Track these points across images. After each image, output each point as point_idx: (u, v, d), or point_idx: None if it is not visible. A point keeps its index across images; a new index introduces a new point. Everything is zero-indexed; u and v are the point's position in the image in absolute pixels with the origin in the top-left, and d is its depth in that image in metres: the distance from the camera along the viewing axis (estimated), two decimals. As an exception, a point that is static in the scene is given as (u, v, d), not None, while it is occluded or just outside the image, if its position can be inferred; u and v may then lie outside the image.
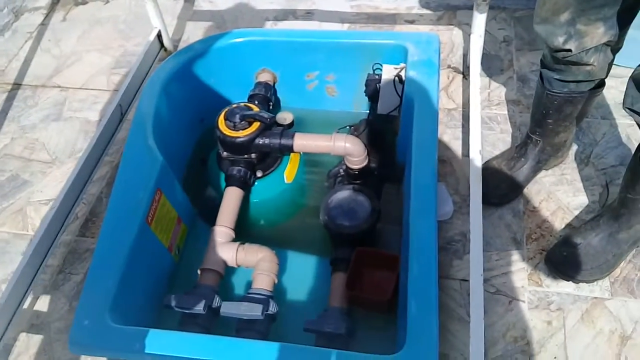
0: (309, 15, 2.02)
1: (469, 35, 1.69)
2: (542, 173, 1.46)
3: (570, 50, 1.11)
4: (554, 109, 1.28)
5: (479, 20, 1.63)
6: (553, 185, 1.45)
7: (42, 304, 1.37)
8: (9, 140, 1.77)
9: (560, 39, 1.11)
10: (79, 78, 1.93)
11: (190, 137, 1.58)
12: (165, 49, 1.91)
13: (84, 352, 1.10)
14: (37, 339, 1.31)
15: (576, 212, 1.39)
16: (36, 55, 2.05)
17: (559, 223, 1.38)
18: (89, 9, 2.20)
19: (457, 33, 1.88)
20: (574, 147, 1.51)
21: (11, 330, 1.28)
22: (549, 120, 1.32)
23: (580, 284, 1.27)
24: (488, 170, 1.43)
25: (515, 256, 1.33)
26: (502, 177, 1.41)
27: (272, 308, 1.17)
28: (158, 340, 1.01)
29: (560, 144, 1.40)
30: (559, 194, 1.43)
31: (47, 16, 2.19)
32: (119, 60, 1.97)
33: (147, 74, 1.79)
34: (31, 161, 1.69)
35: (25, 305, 1.33)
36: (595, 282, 1.27)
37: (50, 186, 1.62)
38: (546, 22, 1.12)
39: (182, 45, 1.97)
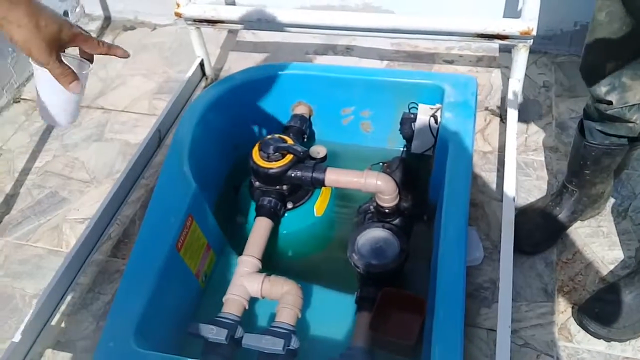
0: (348, 51, 2.04)
1: (508, 78, 1.68)
2: (578, 224, 1.43)
3: (611, 103, 1.10)
4: (592, 160, 1.26)
5: (519, 64, 1.62)
6: (588, 237, 1.41)
7: (70, 321, 1.39)
8: (51, 157, 1.82)
9: (603, 89, 1.10)
10: (122, 101, 1.98)
11: (224, 165, 1.61)
12: (207, 77, 1.96)
13: (107, 374, 1.11)
14: (62, 356, 1.33)
15: (611, 267, 1.35)
16: (83, 76, 2.12)
17: (592, 277, 1.34)
18: (137, 34, 2.28)
19: (496, 75, 1.87)
20: (612, 200, 1.48)
21: (38, 345, 1.30)
22: (587, 171, 1.29)
23: (612, 342, 1.22)
24: (522, 217, 1.40)
25: (546, 308, 1.29)
26: (536, 225, 1.38)
27: (294, 343, 1.16)
28: (179, 368, 1.02)
29: (597, 196, 1.37)
30: (594, 246, 1.39)
31: (99, 37, 2.26)
32: (162, 85, 2.02)
33: (187, 100, 1.83)
34: (70, 179, 1.74)
35: (54, 321, 1.36)
36: (628, 342, 1.22)
37: (86, 205, 1.66)
38: (591, 68, 1.10)
39: (223, 75, 2.02)
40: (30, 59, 0.79)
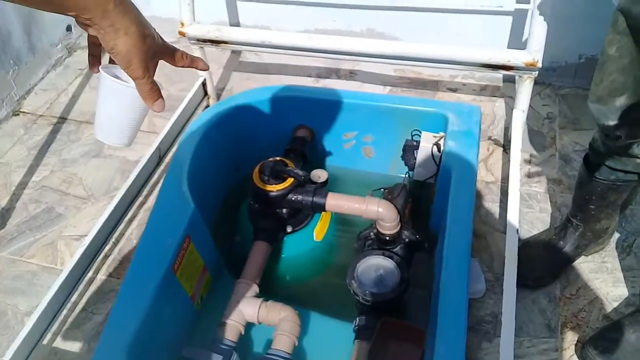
0: (351, 75, 2.04)
1: (512, 108, 1.68)
2: (582, 259, 1.42)
3: (620, 137, 1.09)
4: (597, 195, 1.25)
5: (523, 95, 1.62)
6: (592, 273, 1.39)
7: (61, 341, 1.36)
8: (49, 172, 1.80)
9: (612, 123, 1.09)
10: (123, 117, 1.97)
11: (223, 186, 1.59)
12: (209, 97, 1.95)
13: (97, 396, 1.08)
14: (51, 376, 1.30)
15: (615, 304, 1.33)
16: (84, 91, 2.12)
17: (596, 314, 1.32)
18: (140, 51, 2.27)
19: (499, 105, 1.87)
20: (616, 235, 1.46)
21: (28, 365, 1.27)
22: (592, 206, 1.28)
23: (615, 381, 1.20)
24: (525, 251, 1.38)
25: (548, 345, 1.27)
26: (539, 259, 1.37)
27: (290, 372, 1.14)
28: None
29: (601, 231, 1.36)
30: (598, 282, 1.38)
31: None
32: (163, 103, 2.01)
33: (188, 119, 1.82)
34: (67, 195, 1.72)
35: (45, 340, 1.33)
36: (630, 381, 1.20)
37: (83, 222, 1.63)
38: (600, 101, 1.09)
39: (225, 95, 2.01)
40: (102, 70, 0.75)
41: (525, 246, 1.41)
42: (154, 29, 0.72)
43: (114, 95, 0.77)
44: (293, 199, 1.32)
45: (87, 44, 0.78)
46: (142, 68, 0.71)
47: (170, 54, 0.77)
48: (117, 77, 0.77)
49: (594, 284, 1.37)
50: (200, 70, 0.83)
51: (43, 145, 1.90)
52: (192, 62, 0.81)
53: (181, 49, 0.78)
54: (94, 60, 0.80)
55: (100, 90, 0.78)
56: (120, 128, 0.81)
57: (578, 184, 1.30)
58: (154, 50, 0.72)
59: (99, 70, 0.77)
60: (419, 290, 1.32)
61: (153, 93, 0.75)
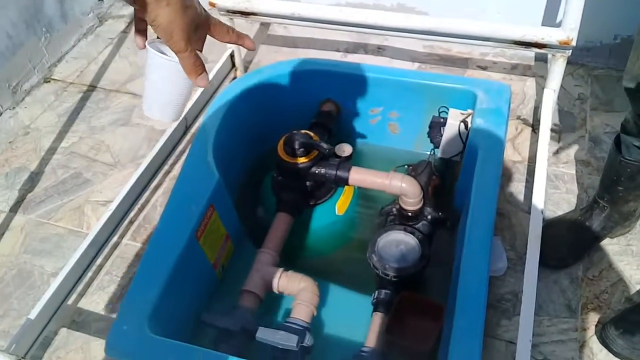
0: (380, 50, 2.02)
1: (543, 88, 1.65)
2: (606, 241, 1.39)
3: None
4: (626, 176, 1.22)
5: (555, 74, 1.59)
6: (616, 255, 1.37)
7: (86, 302, 1.40)
8: (77, 139, 1.83)
9: None
10: (151, 87, 1.99)
11: (248, 157, 1.60)
12: (236, 69, 1.95)
13: (120, 356, 1.10)
14: (76, 335, 1.34)
15: (638, 287, 1.31)
16: (114, 61, 2.14)
17: (618, 296, 1.30)
18: (170, 22, 2.28)
19: (530, 84, 1.84)
20: (643, 218, 1.44)
21: (53, 324, 1.30)
22: (620, 188, 1.26)
23: (635, 364, 1.19)
24: (549, 231, 1.37)
25: (568, 325, 1.26)
26: (563, 239, 1.35)
27: (308, 341, 1.15)
28: (192, 356, 1.01)
29: (628, 213, 1.33)
30: (622, 265, 1.35)
31: (129, 25, 2.28)
32: (191, 74, 2.02)
33: (215, 91, 1.83)
34: (95, 161, 1.75)
35: (70, 301, 1.36)
36: (651, 365, 1.19)
37: (109, 188, 1.66)
38: (637, 80, 1.07)
39: (252, 67, 2.01)
40: (148, 45, 0.73)
41: (549, 226, 1.39)
42: (198, 2, 0.71)
43: (158, 70, 0.77)
44: (317, 172, 1.32)
45: (121, 15, 0.77)
46: (184, 41, 0.69)
47: (215, 27, 0.75)
48: (163, 52, 0.76)
49: (617, 266, 1.35)
50: (247, 48, 0.80)
51: (72, 112, 1.93)
52: (239, 39, 0.78)
53: (228, 24, 0.76)
54: (141, 35, 0.79)
55: (147, 66, 0.77)
56: (166, 103, 0.81)
57: (607, 165, 1.28)
58: (196, 23, 0.70)
59: (145, 46, 0.77)
60: (439, 267, 1.32)
61: (196, 67, 0.73)
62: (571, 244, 1.35)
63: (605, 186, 1.30)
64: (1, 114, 1.95)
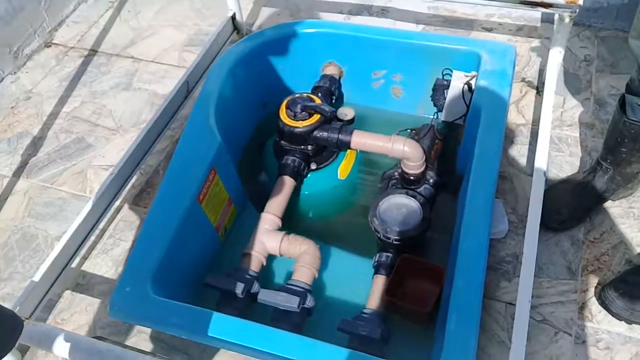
0: (383, 12, 1.99)
1: (548, 50, 1.62)
2: (608, 203, 1.39)
3: None
4: (630, 137, 1.21)
5: (561, 35, 1.55)
6: (618, 218, 1.37)
7: (90, 265, 1.41)
8: (79, 103, 1.83)
9: None
10: (152, 51, 1.97)
11: (250, 121, 1.59)
12: (238, 32, 1.93)
13: (122, 318, 1.13)
14: (80, 298, 1.36)
15: (639, 249, 1.31)
16: (115, 25, 2.11)
17: (619, 258, 1.30)
18: (170, -16, 2.25)
19: (536, 46, 1.80)
20: (647, 181, 1.43)
21: (57, 286, 1.32)
22: (623, 149, 1.25)
23: (634, 325, 1.20)
24: (551, 193, 1.36)
25: (568, 286, 1.27)
26: (565, 202, 1.35)
27: (309, 302, 1.16)
28: (194, 317, 1.03)
29: (631, 175, 1.32)
30: (624, 227, 1.35)
31: (130, -12, 2.25)
32: (192, 38, 2.00)
33: (217, 54, 1.81)
34: (97, 126, 1.75)
35: (74, 264, 1.38)
36: (650, 325, 1.19)
37: (112, 152, 1.66)
38: None
39: (254, 30, 1.98)
40: None
41: (551, 189, 1.39)
42: None
43: None
44: (318, 135, 1.31)
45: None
46: None
47: None
48: None
49: (619, 229, 1.35)
50: None
51: (74, 76, 1.92)
52: None
53: None
54: None
55: None
56: None
57: (611, 125, 1.27)
58: None
59: None
60: (441, 233, 1.32)
61: None
62: (573, 206, 1.34)
63: (609, 147, 1.29)
64: (3, 79, 1.94)
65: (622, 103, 1.21)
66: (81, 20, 2.15)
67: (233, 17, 1.88)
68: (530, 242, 1.21)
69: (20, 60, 1.99)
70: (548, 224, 1.33)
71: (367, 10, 2.00)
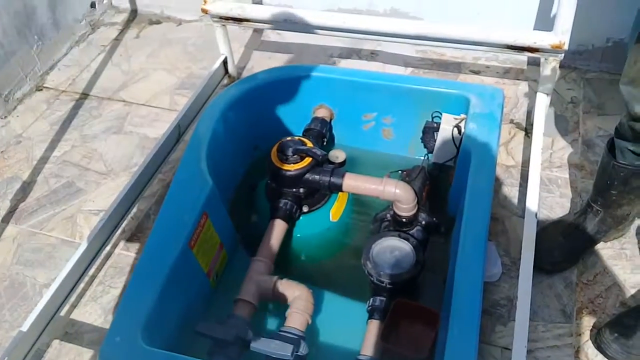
0: (373, 56, 2.02)
1: (535, 92, 1.65)
2: (600, 245, 1.39)
3: None
4: (620, 180, 1.22)
5: (548, 78, 1.59)
6: (611, 259, 1.37)
7: (79, 313, 1.39)
8: (70, 147, 1.82)
9: None
10: (144, 95, 1.98)
11: (242, 164, 1.60)
12: (229, 75, 1.95)
13: (112, 368, 1.10)
14: (69, 347, 1.33)
15: (632, 291, 1.31)
16: (106, 68, 2.13)
17: (613, 300, 1.30)
18: (162, 28, 2.28)
19: (523, 88, 1.84)
20: (637, 221, 1.43)
21: (46, 335, 1.29)
22: (613, 192, 1.26)
23: (630, 368, 1.19)
24: (543, 235, 1.37)
25: (563, 330, 1.26)
26: (557, 244, 1.35)
27: (303, 349, 1.14)
28: (185, 368, 1.00)
29: (622, 217, 1.33)
30: (616, 269, 1.35)
31: (122, 32, 2.27)
32: (184, 81, 2.02)
33: (208, 98, 1.82)
34: (87, 170, 1.74)
35: (63, 312, 1.35)
36: (647, 368, 1.18)
37: (102, 197, 1.65)
38: (633, 83, 1.07)
39: (246, 73, 2.01)
40: None
41: (543, 231, 1.39)
42: None
43: None
44: (310, 178, 1.32)
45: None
46: None
47: None
48: None
49: (612, 270, 1.35)
50: None
51: (65, 120, 1.92)
52: None
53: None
54: None
55: None
56: None
57: (600, 169, 1.28)
58: None
59: None
60: (434, 274, 1.31)
61: None
62: (565, 248, 1.35)
63: (599, 190, 1.30)
64: (-7, 122, 1.94)
65: (611, 146, 1.22)
66: (73, 64, 2.16)
67: (224, 61, 1.91)
68: (525, 285, 1.21)
69: (11, 104, 1.99)
70: (541, 266, 1.33)
71: (357, 53, 2.04)
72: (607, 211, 1.32)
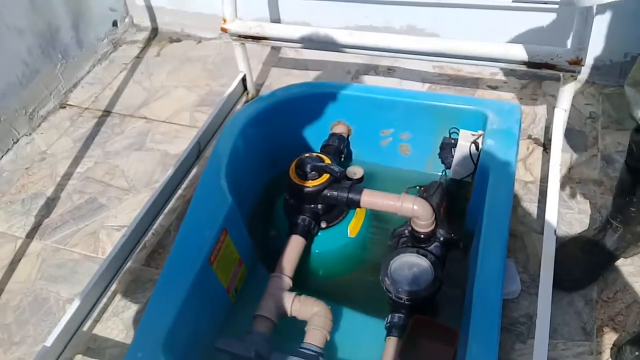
0: (390, 72, 2.04)
1: (554, 107, 1.65)
2: (620, 261, 1.38)
3: None
4: (638, 197, 1.21)
5: (566, 94, 1.59)
6: (631, 276, 1.36)
7: (101, 328, 1.41)
8: (93, 164, 1.86)
9: None
10: (165, 112, 2.02)
11: (261, 180, 1.61)
12: (248, 92, 1.98)
13: (134, 384, 1.11)
14: (91, 362, 1.35)
15: (654, 308, 1.30)
16: (128, 86, 2.17)
17: (633, 318, 1.29)
18: (182, 47, 2.32)
19: (541, 104, 1.84)
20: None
21: (68, 351, 1.32)
22: (632, 208, 1.25)
23: (652, 388, 1.17)
24: (562, 251, 1.36)
25: (584, 348, 1.25)
26: (577, 260, 1.34)
27: (321, 366, 1.15)
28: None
29: None
30: (637, 286, 1.34)
31: (143, 50, 2.32)
32: (204, 98, 2.05)
33: (228, 114, 1.85)
34: (110, 186, 1.77)
35: (85, 327, 1.38)
36: (668, 388, 1.17)
37: (124, 213, 1.68)
38: (637, 87, 1.07)
39: (264, 90, 2.03)
40: None
41: (562, 247, 1.38)
42: None
43: None
44: (328, 194, 1.33)
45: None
46: None
47: None
48: None
49: (632, 287, 1.34)
50: None
51: (88, 137, 1.96)
52: None
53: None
54: None
55: None
56: None
57: (619, 184, 1.27)
58: None
59: None
60: (452, 289, 1.31)
61: None
62: (585, 265, 1.34)
63: (618, 207, 1.30)
64: (18, 140, 1.98)
65: (629, 162, 1.22)
66: (95, 82, 2.21)
67: (243, 78, 1.93)
68: (544, 303, 1.20)
69: (35, 121, 2.04)
70: (560, 284, 1.32)
71: (374, 69, 2.05)
72: (627, 228, 1.31)
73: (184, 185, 1.66)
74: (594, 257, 1.34)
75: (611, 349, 1.24)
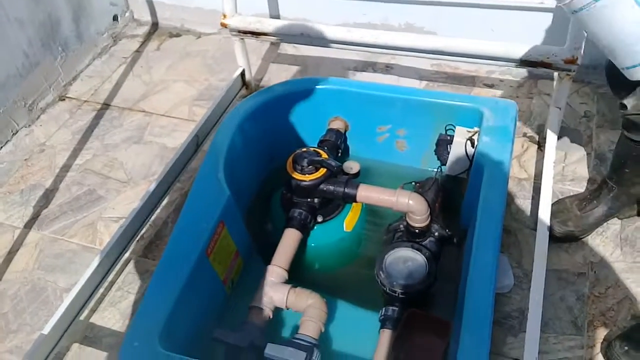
0: (388, 69, 2.05)
1: (549, 105, 1.66)
2: (612, 258, 1.40)
3: (625, 107, 1.09)
4: (632, 158, 1.26)
5: (561, 93, 1.60)
6: (623, 273, 1.38)
7: (98, 317, 1.42)
8: (91, 156, 1.87)
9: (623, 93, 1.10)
10: (163, 105, 2.03)
11: (258, 174, 1.62)
12: (247, 87, 1.99)
13: (130, 372, 1.13)
14: (88, 351, 1.36)
15: (644, 304, 1.32)
16: (127, 79, 2.18)
17: (624, 313, 1.31)
18: (182, 41, 2.33)
19: (536, 102, 1.85)
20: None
21: (65, 339, 1.33)
22: (627, 170, 1.30)
23: (641, 382, 1.19)
24: (557, 206, 1.42)
25: (574, 342, 1.27)
26: (572, 215, 1.40)
27: (315, 357, 1.16)
28: (201, 372, 1.03)
29: (636, 195, 1.37)
30: (629, 282, 1.36)
31: (143, 44, 2.33)
32: (203, 92, 2.06)
33: (226, 109, 1.86)
34: (108, 179, 1.78)
35: (82, 316, 1.39)
36: (657, 383, 1.19)
37: (122, 204, 1.69)
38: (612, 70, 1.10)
39: (263, 85, 2.05)
40: None
41: (558, 202, 1.44)
42: None
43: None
44: (325, 189, 1.34)
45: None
46: None
47: None
48: None
49: (624, 283, 1.36)
50: None
51: (87, 130, 1.97)
52: None
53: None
54: None
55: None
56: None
57: (616, 146, 1.32)
58: None
59: None
60: (446, 283, 1.33)
61: None
62: (579, 220, 1.39)
63: (614, 168, 1.35)
64: (17, 131, 1.99)
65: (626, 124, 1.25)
66: (95, 75, 2.22)
67: (242, 73, 1.94)
68: (536, 297, 1.22)
69: (34, 113, 2.05)
70: (553, 233, 1.37)
71: (372, 66, 2.07)
72: (621, 189, 1.36)
73: (182, 178, 1.67)
74: (588, 214, 1.40)
75: (601, 343, 1.26)
